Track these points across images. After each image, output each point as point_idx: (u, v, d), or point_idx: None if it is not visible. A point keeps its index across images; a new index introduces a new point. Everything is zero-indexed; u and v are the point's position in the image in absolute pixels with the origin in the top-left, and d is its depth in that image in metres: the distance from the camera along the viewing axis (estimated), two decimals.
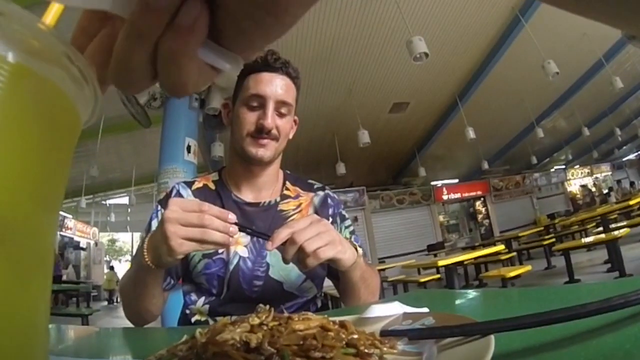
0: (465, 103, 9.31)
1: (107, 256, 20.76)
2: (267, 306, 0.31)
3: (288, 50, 6.62)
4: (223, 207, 1.01)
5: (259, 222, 1.02)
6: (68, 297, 11.30)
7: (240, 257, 0.97)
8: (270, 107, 0.99)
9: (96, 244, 16.03)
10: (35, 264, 0.20)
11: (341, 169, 9.51)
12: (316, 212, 1.08)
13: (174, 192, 1.08)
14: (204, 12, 0.21)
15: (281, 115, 1.01)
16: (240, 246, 0.98)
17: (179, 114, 4.03)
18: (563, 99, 10.60)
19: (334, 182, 11.76)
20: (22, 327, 0.19)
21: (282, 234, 0.74)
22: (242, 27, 0.22)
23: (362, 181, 12.94)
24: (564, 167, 16.50)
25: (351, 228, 1.12)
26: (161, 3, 0.19)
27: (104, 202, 14.42)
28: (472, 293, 0.77)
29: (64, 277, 12.04)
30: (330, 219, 1.09)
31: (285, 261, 0.75)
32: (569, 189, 15.43)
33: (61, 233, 14.03)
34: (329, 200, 1.13)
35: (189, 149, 3.84)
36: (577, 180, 15.77)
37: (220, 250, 0.97)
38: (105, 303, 13.93)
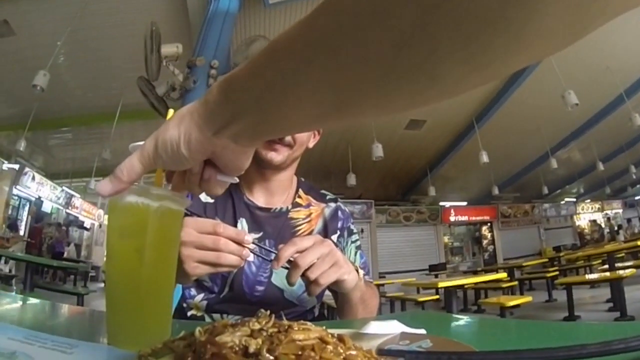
0: (482, 126, 9.26)
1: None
2: (268, 312, 0.31)
3: None
4: (234, 207, 1.02)
5: (268, 228, 1.02)
6: (66, 275, 11.36)
7: (246, 260, 0.98)
8: None
9: (100, 225, 16.11)
10: (163, 291, 0.51)
11: (352, 180, 9.50)
12: (325, 224, 1.08)
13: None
14: (213, 172, 0.47)
15: None
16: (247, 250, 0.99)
17: None
18: (580, 130, 10.51)
19: (344, 193, 11.73)
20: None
21: (287, 252, 0.74)
22: (230, 169, 0.47)
23: (371, 194, 12.95)
24: (574, 200, 16.31)
25: (358, 243, 1.12)
26: (193, 180, 0.48)
27: None
28: (470, 319, 0.76)
29: (65, 254, 12.11)
30: (338, 232, 1.09)
31: (290, 284, 0.76)
32: (577, 223, 15.23)
33: (67, 211, 14.15)
34: (339, 213, 1.12)
35: None
36: (587, 215, 15.54)
37: None
38: (102, 284, 13.98)
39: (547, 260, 10.60)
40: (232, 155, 0.44)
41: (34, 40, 6.45)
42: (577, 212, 15.37)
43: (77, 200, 14.49)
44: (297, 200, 1.10)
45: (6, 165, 11.06)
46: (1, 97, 8.22)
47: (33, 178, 11.81)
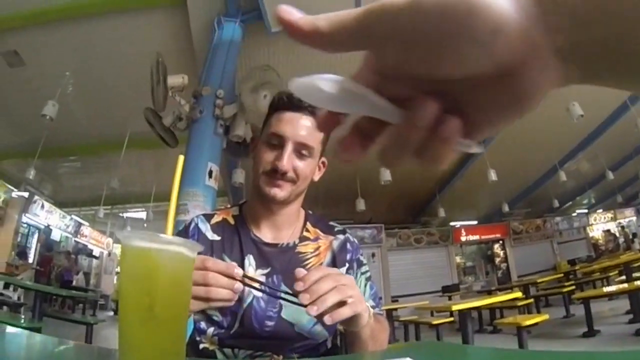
0: (488, 144, 9.25)
1: (119, 267, 20.87)
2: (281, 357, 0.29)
3: None
4: (241, 244, 1.02)
5: (276, 264, 1.01)
6: (75, 303, 11.33)
7: (254, 296, 0.96)
8: (288, 148, 0.98)
9: (109, 254, 16.17)
10: (177, 329, 0.52)
11: (361, 205, 9.49)
12: (334, 257, 1.07)
13: (192, 225, 1.07)
14: (458, 125, 0.26)
15: (301, 157, 1.00)
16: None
17: (204, 138, 4.07)
18: (587, 141, 10.41)
19: (353, 218, 11.76)
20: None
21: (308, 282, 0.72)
22: (491, 121, 0.28)
23: (381, 218, 12.88)
24: (586, 211, 16.03)
25: (368, 274, 1.10)
26: (423, 123, 0.26)
27: (121, 214, 14.61)
28: (485, 350, 0.73)
29: (74, 283, 12.11)
30: (347, 264, 1.07)
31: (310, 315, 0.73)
32: (591, 234, 14.92)
33: (75, 239, 14.23)
34: (348, 245, 1.11)
35: (210, 174, 3.87)
36: (600, 225, 15.24)
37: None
38: (112, 313, 13.90)
39: (562, 274, 10.36)
40: (530, 87, 0.25)
41: (43, 70, 6.59)
42: (590, 223, 15.06)
43: (86, 229, 14.59)
44: (305, 233, 1.09)
45: (16, 193, 11.21)
46: (11, 125, 8.38)
47: (42, 206, 11.93)
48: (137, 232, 0.50)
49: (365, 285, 1.07)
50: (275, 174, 0.97)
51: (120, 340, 0.49)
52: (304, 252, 1.05)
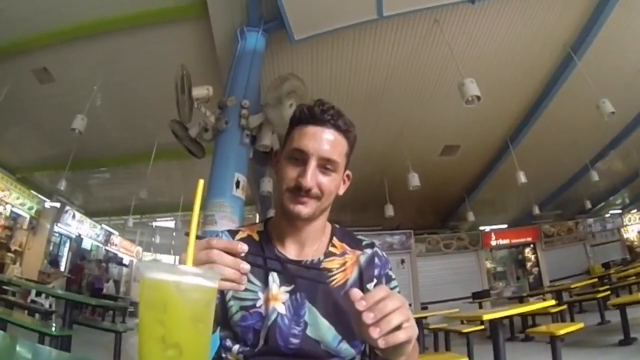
0: (517, 146, 9.05)
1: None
2: None
3: (340, 92, 6.73)
4: (265, 261, 1.00)
5: (300, 281, 0.97)
6: (105, 310, 11.60)
7: (278, 313, 0.94)
8: (312, 164, 0.94)
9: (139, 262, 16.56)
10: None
11: (389, 211, 9.44)
12: (361, 272, 1.03)
13: None
14: None
15: (326, 172, 0.96)
16: (279, 302, 0.95)
17: (230, 149, 4.07)
18: (619, 138, 10.11)
19: (382, 224, 11.72)
20: None
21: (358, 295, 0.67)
22: None
23: (410, 224, 12.81)
24: (620, 211, 15.48)
25: (397, 289, 1.04)
26: None
27: (150, 223, 14.91)
28: None
29: (104, 291, 12.41)
30: (375, 280, 1.03)
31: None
32: (625, 236, 14.33)
33: (106, 248, 14.62)
34: (376, 260, 1.06)
35: (237, 184, 3.86)
36: (635, 226, 14.62)
37: (258, 304, 0.95)
38: None
39: (596, 279, 9.96)
40: None
41: (73, 85, 6.82)
42: (624, 224, 14.47)
43: (116, 238, 14.98)
44: (331, 249, 1.06)
45: (48, 204, 11.66)
46: (43, 139, 8.70)
47: (73, 216, 12.34)
48: (155, 263, 0.53)
49: None
50: (299, 191, 0.94)
51: None
52: (330, 268, 1.01)
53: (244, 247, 0.72)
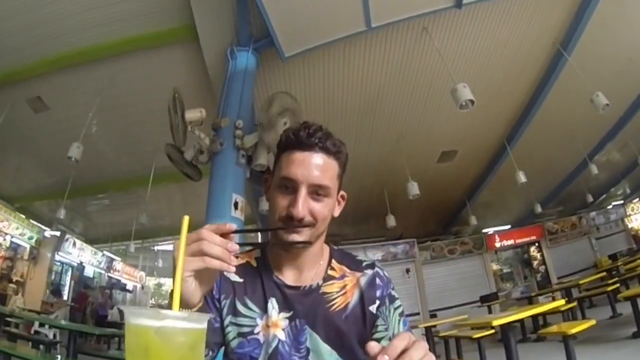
0: (514, 146, 9.06)
1: (153, 299, 21.10)
2: None
3: (334, 105, 6.75)
4: (263, 287, 0.99)
5: (299, 307, 0.96)
6: (110, 337, 11.49)
7: (279, 339, 0.92)
8: (302, 192, 0.91)
9: (142, 287, 16.43)
10: None
11: (391, 221, 9.45)
12: (362, 295, 1.01)
13: None
14: None
15: (318, 197, 0.93)
16: (279, 329, 0.93)
17: (226, 170, 4.05)
18: (615, 129, 10.14)
19: (384, 235, 11.69)
20: None
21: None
22: None
23: (412, 232, 12.78)
24: (622, 202, 15.49)
25: (401, 309, 1.03)
26: None
27: (152, 247, 14.84)
28: None
29: (109, 318, 12.29)
30: (378, 302, 1.01)
31: None
32: (630, 225, 14.30)
33: (108, 274, 14.52)
34: (377, 280, 1.04)
35: (236, 205, 3.83)
36: (639, 215, 14.61)
37: (256, 330, 0.93)
38: None
39: (604, 272, 9.89)
40: None
41: (68, 112, 6.84)
42: (628, 214, 14.44)
43: (119, 264, 14.89)
44: (330, 272, 1.03)
45: (48, 233, 11.61)
46: (41, 167, 8.69)
47: (74, 244, 12.27)
48: (139, 309, 0.52)
49: (399, 322, 1.01)
50: (292, 221, 0.91)
51: None
52: (329, 293, 0.99)
53: (232, 226, 0.72)
